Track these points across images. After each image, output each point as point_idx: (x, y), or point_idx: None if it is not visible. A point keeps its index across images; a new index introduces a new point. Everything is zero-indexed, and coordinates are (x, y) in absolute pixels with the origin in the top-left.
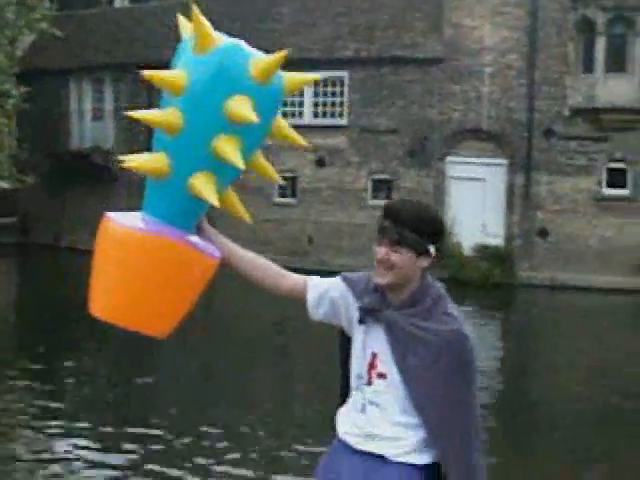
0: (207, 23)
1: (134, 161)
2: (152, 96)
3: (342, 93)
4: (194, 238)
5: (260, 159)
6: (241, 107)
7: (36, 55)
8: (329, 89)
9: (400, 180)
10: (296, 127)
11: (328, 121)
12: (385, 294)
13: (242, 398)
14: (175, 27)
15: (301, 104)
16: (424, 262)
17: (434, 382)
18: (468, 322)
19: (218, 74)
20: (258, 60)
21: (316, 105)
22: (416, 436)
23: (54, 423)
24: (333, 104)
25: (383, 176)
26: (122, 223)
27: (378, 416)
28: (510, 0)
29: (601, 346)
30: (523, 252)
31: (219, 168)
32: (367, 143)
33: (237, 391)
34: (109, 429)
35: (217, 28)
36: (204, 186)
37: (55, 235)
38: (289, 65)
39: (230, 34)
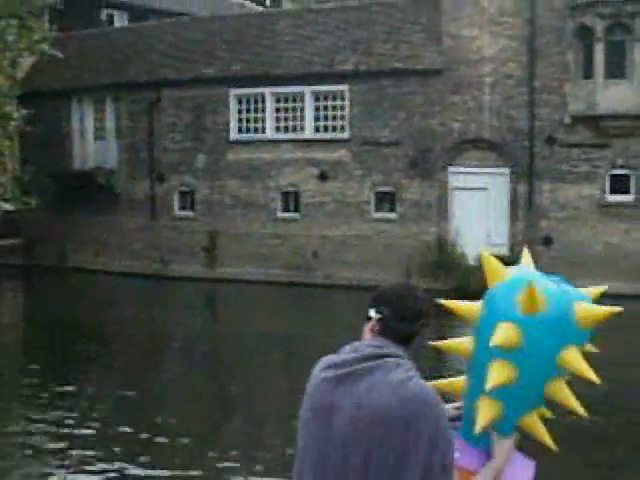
0: (537, 291)
1: (481, 419)
2: (153, 115)
3: (343, 107)
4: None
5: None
6: (576, 360)
7: (37, 77)
8: (330, 103)
9: (403, 192)
10: (297, 141)
11: (330, 135)
12: None
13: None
14: (171, 45)
15: (302, 118)
16: (365, 327)
17: None
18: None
19: (552, 331)
20: (582, 309)
21: (317, 119)
22: None
23: (59, 455)
24: (334, 118)
25: (386, 188)
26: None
27: None
28: (508, 9)
29: (605, 353)
30: None
31: (540, 405)
32: (369, 156)
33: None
34: (115, 462)
35: (218, 45)
36: (537, 427)
37: (60, 255)
38: (289, 80)
39: (230, 51)
